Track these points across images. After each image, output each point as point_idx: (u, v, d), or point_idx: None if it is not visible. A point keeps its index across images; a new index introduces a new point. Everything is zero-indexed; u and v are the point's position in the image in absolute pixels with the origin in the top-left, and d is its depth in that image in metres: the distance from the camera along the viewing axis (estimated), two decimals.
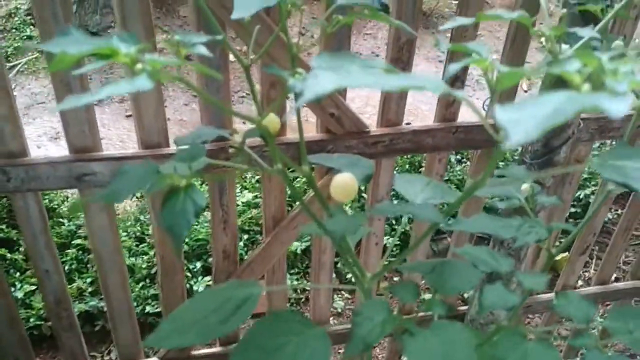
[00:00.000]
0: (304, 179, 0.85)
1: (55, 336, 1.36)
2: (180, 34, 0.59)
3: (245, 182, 3.15)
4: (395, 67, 1.12)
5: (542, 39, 0.63)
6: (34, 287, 2.25)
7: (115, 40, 0.54)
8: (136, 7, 0.92)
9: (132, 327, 1.36)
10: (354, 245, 0.86)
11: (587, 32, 0.62)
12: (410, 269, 0.84)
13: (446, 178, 3.02)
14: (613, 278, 2.59)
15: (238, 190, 3.07)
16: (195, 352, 1.42)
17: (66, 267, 2.43)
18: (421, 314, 1.24)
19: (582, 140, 1.36)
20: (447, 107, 1.24)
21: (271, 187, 1.22)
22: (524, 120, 0.32)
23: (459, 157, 3.13)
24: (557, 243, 2.95)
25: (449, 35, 1.19)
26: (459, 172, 3.02)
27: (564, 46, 0.65)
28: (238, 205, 2.92)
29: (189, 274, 2.48)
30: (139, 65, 0.50)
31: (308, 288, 2.57)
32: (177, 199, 0.60)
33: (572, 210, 2.81)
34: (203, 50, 0.57)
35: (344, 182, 0.72)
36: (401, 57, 1.12)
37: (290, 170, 1.01)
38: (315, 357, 0.65)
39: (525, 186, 0.85)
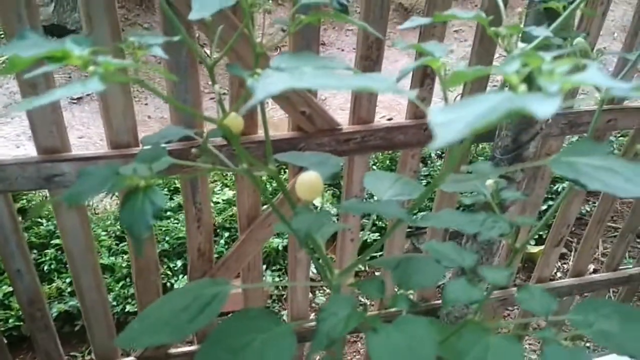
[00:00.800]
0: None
1: (27, 338, 1.35)
2: (136, 35, 0.59)
3: (227, 179, 3.14)
4: (365, 64, 1.13)
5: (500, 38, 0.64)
6: (12, 288, 2.23)
7: (69, 42, 0.54)
8: (101, 6, 0.91)
9: (108, 327, 1.36)
10: (324, 243, 0.87)
11: (541, 31, 0.63)
12: (377, 265, 0.85)
13: (426, 173, 3.05)
14: (591, 269, 2.65)
15: (219, 187, 3.07)
16: (172, 351, 1.42)
17: (45, 267, 2.42)
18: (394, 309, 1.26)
19: (552, 135, 1.38)
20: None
21: (244, 185, 1.22)
22: (454, 122, 0.32)
23: (439, 151, 3.15)
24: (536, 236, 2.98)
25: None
26: (439, 167, 3.04)
27: (521, 44, 0.66)
28: (219, 202, 2.92)
29: (169, 272, 2.48)
30: (91, 68, 0.50)
31: (280, 286, 2.58)
32: (136, 199, 0.60)
33: (551, 202, 2.85)
34: (159, 51, 0.57)
35: (309, 181, 0.73)
36: (370, 54, 1.13)
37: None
38: (281, 354, 0.65)
39: (489, 182, 0.86)
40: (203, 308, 0.73)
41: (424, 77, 1.20)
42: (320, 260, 0.77)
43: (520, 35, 0.62)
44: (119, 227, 2.68)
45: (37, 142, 1.04)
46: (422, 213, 2.81)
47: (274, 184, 3.02)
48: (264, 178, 3.07)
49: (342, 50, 5.40)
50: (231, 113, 0.70)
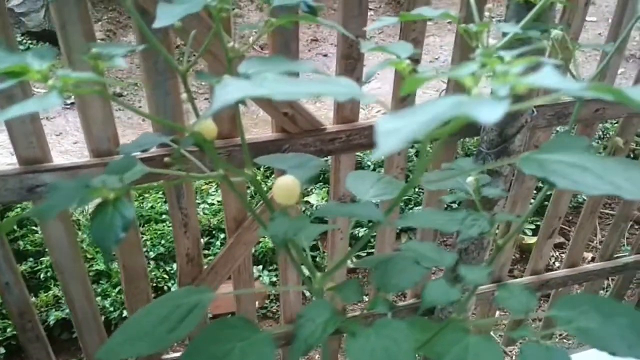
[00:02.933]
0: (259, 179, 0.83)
1: (22, 347, 1.35)
2: (100, 46, 0.59)
3: None
4: (346, 63, 1.12)
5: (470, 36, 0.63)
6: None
7: (30, 56, 0.53)
8: (75, 14, 0.91)
9: (100, 336, 1.35)
10: (309, 245, 0.86)
11: (510, 28, 0.62)
12: (361, 265, 0.85)
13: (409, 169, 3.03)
14: (590, 258, 2.64)
15: (213, 189, 3.06)
16: (165, 357, 1.42)
17: (41, 275, 2.42)
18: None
19: (539, 127, 1.37)
20: (402, 101, 1.24)
21: (229, 189, 1.22)
22: (397, 131, 0.32)
23: (430, 147, 3.14)
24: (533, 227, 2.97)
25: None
26: None
27: (492, 41, 0.65)
28: (213, 204, 2.91)
29: (165, 276, 2.48)
30: (50, 82, 0.49)
31: (276, 277, 2.57)
32: (106, 213, 0.59)
33: (549, 193, 2.84)
34: (122, 62, 0.57)
35: (286, 185, 0.72)
36: (351, 53, 1.12)
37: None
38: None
39: (470, 179, 0.85)
40: (183, 317, 0.73)
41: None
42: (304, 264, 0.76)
43: (488, 32, 0.61)
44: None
45: (17, 153, 1.03)
46: (417, 208, 2.81)
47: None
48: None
49: (336, 45, 5.39)
50: (204, 119, 0.69)
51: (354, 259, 2.46)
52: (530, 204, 1.59)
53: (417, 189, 2.94)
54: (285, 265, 1.40)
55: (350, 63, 1.12)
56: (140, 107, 4.48)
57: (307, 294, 2.53)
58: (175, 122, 1.06)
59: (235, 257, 1.31)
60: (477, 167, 0.86)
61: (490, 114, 0.31)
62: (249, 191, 2.85)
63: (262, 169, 2.98)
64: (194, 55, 0.71)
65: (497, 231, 1.45)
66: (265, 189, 2.79)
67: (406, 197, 2.91)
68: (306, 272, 0.76)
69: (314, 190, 2.94)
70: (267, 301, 2.53)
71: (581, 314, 0.68)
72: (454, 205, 2.47)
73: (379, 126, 0.33)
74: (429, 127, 0.32)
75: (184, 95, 0.63)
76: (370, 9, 6.24)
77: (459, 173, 0.88)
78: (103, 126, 1.04)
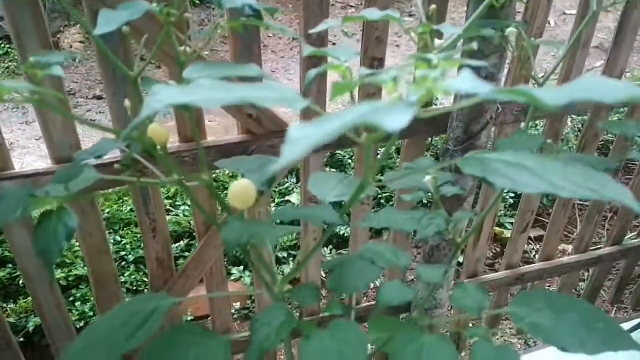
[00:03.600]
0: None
1: None
2: (39, 55, 0.58)
3: None
4: (310, 62, 1.12)
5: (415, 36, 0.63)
6: None
7: None
8: (30, 23, 0.90)
9: (71, 342, 1.34)
10: (273, 248, 0.86)
11: (450, 29, 0.62)
12: (324, 268, 0.85)
13: (390, 167, 3.03)
14: (570, 250, 2.66)
15: None
16: None
17: (20, 282, 2.39)
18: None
19: (507, 123, 1.38)
20: (369, 97, 1.24)
21: (196, 191, 1.21)
22: (304, 139, 0.32)
23: (397, 146, 3.15)
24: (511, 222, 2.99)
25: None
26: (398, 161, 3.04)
27: (438, 42, 0.65)
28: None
29: (146, 279, 2.46)
30: None
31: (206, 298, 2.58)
32: (49, 223, 0.59)
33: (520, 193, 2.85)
34: (58, 71, 0.56)
35: (241, 189, 0.72)
36: (315, 44, 1.12)
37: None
38: None
39: (428, 177, 0.86)
40: (142, 324, 0.72)
41: (372, 62, 1.19)
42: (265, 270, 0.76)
43: (432, 34, 0.61)
44: None
45: None
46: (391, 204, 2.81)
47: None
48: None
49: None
50: (152, 124, 0.69)
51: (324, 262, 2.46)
52: (503, 200, 1.60)
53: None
54: (259, 264, 1.40)
55: (313, 60, 1.12)
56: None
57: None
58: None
59: (207, 260, 1.31)
60: (436, 165, 0.86)
61: (395, 121, 0.32)
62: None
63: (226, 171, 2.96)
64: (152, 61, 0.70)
65: (466, 229, 1.45)
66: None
67: (387, 195, 2.91)
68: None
69: (294, 190, 2.94)
70: (249, 302, 2.53)
71: (535, 311, 0.68)
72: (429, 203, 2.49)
73: (290, 134, 0.32)
74: (336, 135, 0.32)
75: (127, 103, 0.63)
76: (352, 6, 6.25)
77: (416, 172, 0.88)
78: (63, 132, 1.03)
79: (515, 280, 1.79)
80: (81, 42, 5.16)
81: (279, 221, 0.91)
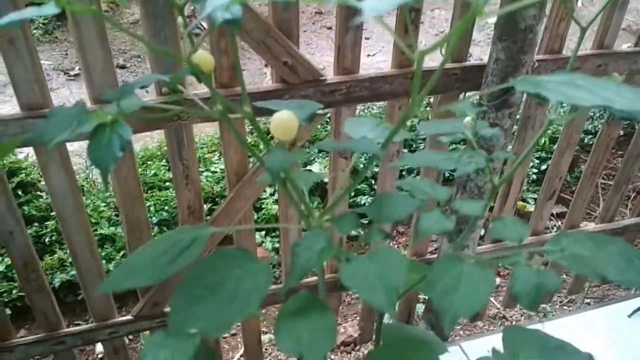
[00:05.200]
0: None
1: (27, 306, 1.37)
2: None
3: None
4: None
5: None
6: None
7: None
8: None
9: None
10: (307, 190, 0.87)
11: None
12: (359, 210, 0.86)
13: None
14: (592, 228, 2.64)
15: (217, 157, 3.07)
16: (168, 309, 1.43)
17: (47, 239, 2.44)
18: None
19: None
20: (403, 53, 1.23)
21: (230, 139, 1.22)
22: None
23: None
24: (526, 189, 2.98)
25: None
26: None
27: None
28: (216, 172, 2.92)
29: None
30: None
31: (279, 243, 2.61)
32: (103, 133, 0.60)
33: (547, 163, 2.84)
34: None
35: (283, 120, 0.73)
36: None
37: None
38: (256, 288, 0.66)
39: (467, 119, 0.86)
40: (182, 251, 0.74)
41: (407, 24, 1.19)
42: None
43: None
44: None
45: (19, 99, 1.04)
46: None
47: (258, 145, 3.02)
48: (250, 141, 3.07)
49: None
50: (200, 51, 0.70)
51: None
52: (531, 163, 1.59)
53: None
54: (287, 219, 1.41)
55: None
56: (136, 76, 4.48)
57: None
58: (174, 68, 1.06)
59: (236, 210, 1.32)
60: (473, 108, 0.86)
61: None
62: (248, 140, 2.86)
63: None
64: None
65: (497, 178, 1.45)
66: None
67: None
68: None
69: (315, 159, 2.95)
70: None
71: (574, 244, 0.69)
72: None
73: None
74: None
75: (180, 20, 0.63)
76: None
77: (457, 110, 0.88)
78: (103, 72, 1.04)
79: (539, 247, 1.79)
80: (106, 11, 5.18)
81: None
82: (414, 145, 2.94)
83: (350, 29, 1.16)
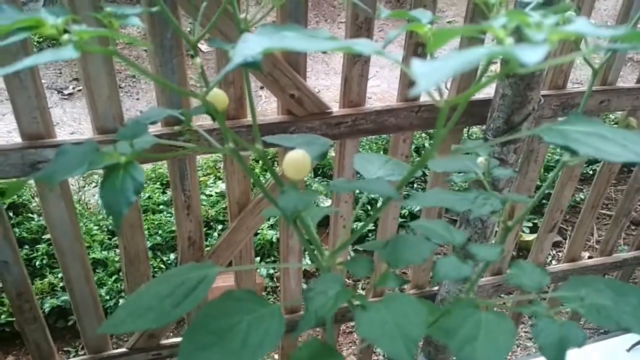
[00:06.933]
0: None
1: (17, 333, 1.33)
2: (113, 6, 0.58)
3: (219, 172, 3.12)
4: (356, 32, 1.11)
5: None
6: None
7: (44, 12, 0.53)
8: None
9: (99, 319, 1.34)
10: (315, 226, 0.85)
11: None
12: (368, 247, 0.84)
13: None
14: (586, 257, 2.64)
15: (212, 180, 3.05)
16: (164, 342, 1.40)
17: (37, 263, 2.40)
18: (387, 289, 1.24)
19: (544, 117, 1.37)
20: (409, 85, 1.23)
21: (233, 170, 1.21)
22: (437, 70, 0.31)
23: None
24: (529, 224, 2.98)
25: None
26: None
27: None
28: (212, 195, 2.90)
29: (162, 265, 2.46)
30: (65, 36, 0.49)
31: (274, 277, 2.57)
32: (117, 176, 0.58)
33: (547, 192, 2.84)
34: (136, 21, 0.56)
35: (296, 159, 0.71)
36: (360, 34, 1.11)
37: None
38: (268, 335, 0.64)
39: (481, 159, 0.85)
40: (189, 293, 0.72)
41: (416, 47, 1.18)
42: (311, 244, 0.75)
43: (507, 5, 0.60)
44: (111, 221, 2.66)
45: (21, 128, 1.02)
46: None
47: (263, 173, 3.00)
48: (255, 169, 3.05)
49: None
50: (214, 89, 0.68)
51: (351, 250, 2.46)
52: (532, 196, 1.58)
53: (420, 175, 2.94)
54: (287, 251, 1.39)
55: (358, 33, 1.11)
56: (137, 99, 4.46)
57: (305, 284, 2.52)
58: (181, 103, 1.05)
59: (237, 241, 1.30)
60: (487, 146, 0.85)
61: (532, 55, 0.31)
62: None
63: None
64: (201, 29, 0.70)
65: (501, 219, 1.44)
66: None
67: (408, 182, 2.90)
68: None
69: (311, 184, 2.93)
70: (264, 293, 2.52)
71: (594, 293, 0.67)
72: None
73: (416, 68, 0.32)
74: (460, 68, 0.32)
75: (198, 60, 0.62)
76: None
77: (469, 154, 0.87)
78: (109, 103, 1.02)
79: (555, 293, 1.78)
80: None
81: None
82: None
83: (357, 62, 1.16)
